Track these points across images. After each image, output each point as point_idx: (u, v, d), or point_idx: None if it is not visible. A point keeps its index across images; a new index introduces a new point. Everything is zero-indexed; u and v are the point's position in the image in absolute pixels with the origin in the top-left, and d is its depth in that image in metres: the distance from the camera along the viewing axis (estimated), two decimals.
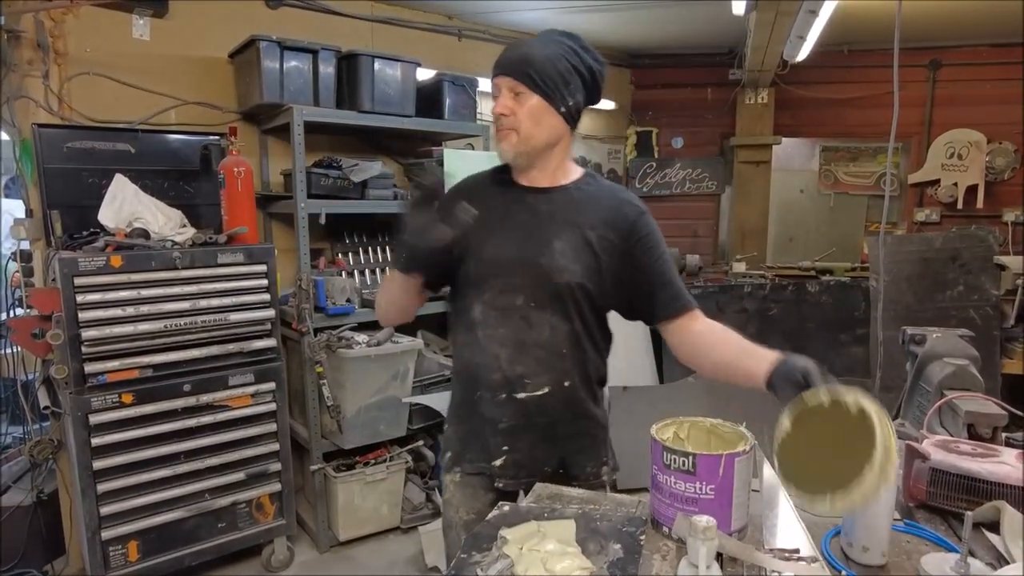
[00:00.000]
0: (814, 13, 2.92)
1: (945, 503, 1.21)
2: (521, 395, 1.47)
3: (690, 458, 1.09)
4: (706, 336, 1.46)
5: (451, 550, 1.61)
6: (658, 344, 4.22)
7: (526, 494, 1.47)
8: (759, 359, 1.30)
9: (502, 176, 1.55)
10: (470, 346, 1.50)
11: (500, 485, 1.52)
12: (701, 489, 1.08)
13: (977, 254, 3.79)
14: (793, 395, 1.12)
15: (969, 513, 0.99)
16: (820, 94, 4.79)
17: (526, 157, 1.47)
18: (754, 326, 4.14)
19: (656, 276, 1.48)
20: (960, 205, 4.67)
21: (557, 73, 1.41)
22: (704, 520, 0.92)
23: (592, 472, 1.58)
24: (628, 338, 4.20)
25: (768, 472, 1.37)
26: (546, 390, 1.47)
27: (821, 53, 4.16)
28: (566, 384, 1.49)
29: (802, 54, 3.72)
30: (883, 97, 4.58)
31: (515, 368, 1.46)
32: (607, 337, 1.59)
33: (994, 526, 1.11)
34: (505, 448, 1.50)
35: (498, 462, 1.50)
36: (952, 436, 1.44)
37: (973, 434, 1.45)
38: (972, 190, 4.63)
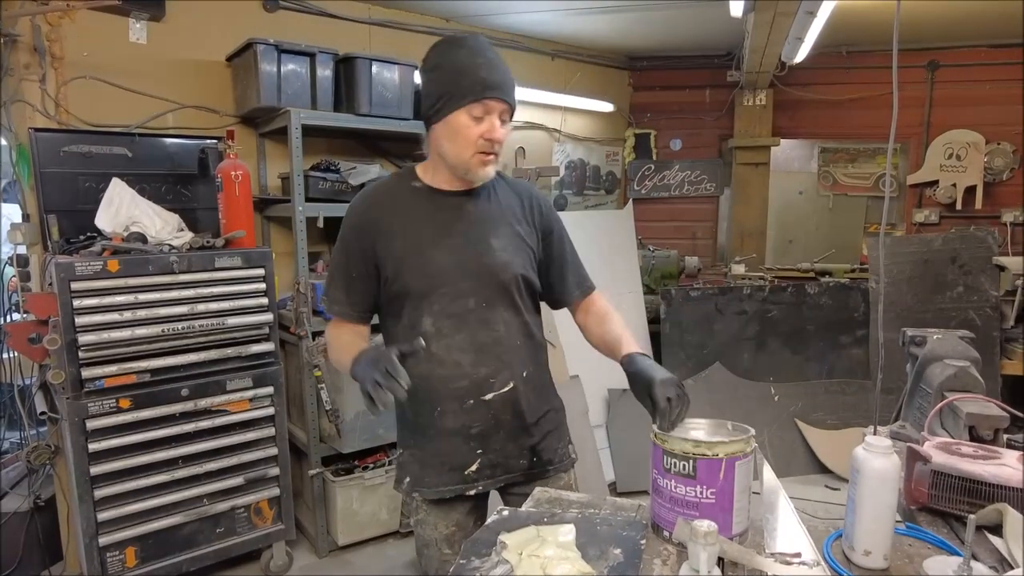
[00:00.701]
0: (812, 14, 2.91)
1: (947, 506, 1.20)
2: (488, 396, 1.49)
3: (690, 462, 1.08)
4: (597, 316, 1.63)
5: (430, 569, 1.59)
6: (657, 347, 4.21)
7: (501, 494, 1.61)
8: (618, 350, 1.49)
9: (412, 182, 1.53)
10: (424, 361, 1.44)
11: (477, 490, 1.53)
12: (702, 493, 1.08)
13: (976, 255, 3.79)
14: (642, 396, 1.31)
15: (971, 516, 0.99)
16: (819, 95, 4.79)
17: None
18: (753, 328, 4.14)
19: (566, 260, 1.63)
20: (959, 206, 4.66)
21: None
22: (705, 525, 0.91)
23: (562, 453, 1.66)
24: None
25: (768, 475, 1.36)
26: (511, 385, 1.51)
27: (819, 55, 4.17)
28: (525, 375, 1.54)
29: (800, 55, 3.72)
30: (881, 98, 4.59)
31: (479, 370, 1.48)
32: (542, 324, 1.67)
33: (997, 529, 1.11)
34: (479, 452, 1.51)
35: (473, 468, 1.51)
36: (953, 438, 1.43)
37: (974, 436, 1.44)
38: (971, 191, 4.63)
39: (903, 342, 1.86)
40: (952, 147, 4.67)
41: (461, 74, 1.39)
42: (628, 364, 1.41)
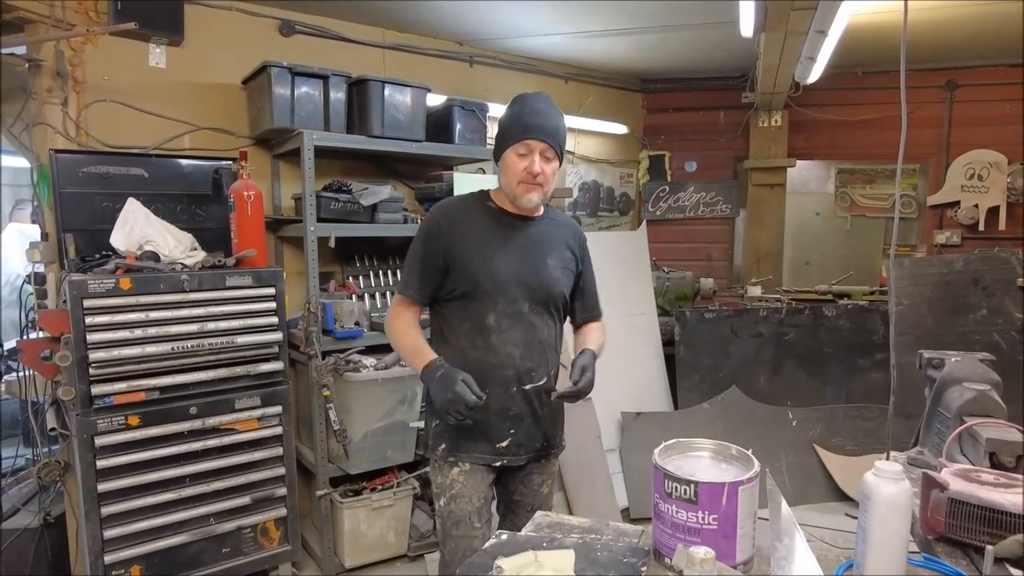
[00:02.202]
0: (823, 33, 2.90)
1: (965, 536, 1.15)
2: (528, 386, 1.81)
3: (692, 486, 1.05)
4: (587, 331, 2.00)
5: (458, 552, 1.81)
6: (672, 370, 4.15)
7: (522, 467, 1.89)
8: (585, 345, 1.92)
9: (486, 203, 1.87)
10: (481, 348, 1.78)
11: (503, 462, 1.83)
12: (703, 519, 1.04)
13: (1000, 276, 3.70)
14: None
15: (990, 547, 0.94)
16: (834, 116, 4.75)
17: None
18: (770, 351, 4.06)
19: (587, 286, 2.00)
20: (982, 227, 4.57)
21: (565, 140, 1.86)
22: (702, 551, 0.88)
23: (560, 440, 1.99)
24: (642, 363, 4.14)
25: (780, 501, 1.32)
26: (544, 380, 1.84)
27: (834, 75, 4.14)
28: (553, 373, 1.87)
29: (814, 76, 3.70)
30: (898, 119, 4.51)
31: (526, 363, 1.80)
32: None
33: (1018, 562, 1.05)
34: (512, 431, 1.81)
35: (504, 443, 1.81)
36: (973, 465, 1.38)
37: (995, 463, 1.38)
38: (994, 211, 4.54)
39: (920, 364, 1.80)
40: (973, 167, 4.59)
41: (513, 122, 1.77)
42: (580, 352, 1.85)
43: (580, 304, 1.99)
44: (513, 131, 1.76)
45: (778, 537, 1.18)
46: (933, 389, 1.68)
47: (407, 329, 1.84)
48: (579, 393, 1.75)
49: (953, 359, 1.69)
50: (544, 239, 1.86)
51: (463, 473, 1.81)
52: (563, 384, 1.82)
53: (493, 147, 1.87)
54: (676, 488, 1.06)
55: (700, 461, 1.18)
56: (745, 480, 1.05)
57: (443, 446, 1.82)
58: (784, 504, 1.32)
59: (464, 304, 1.79)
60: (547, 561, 1.10)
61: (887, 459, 1.31)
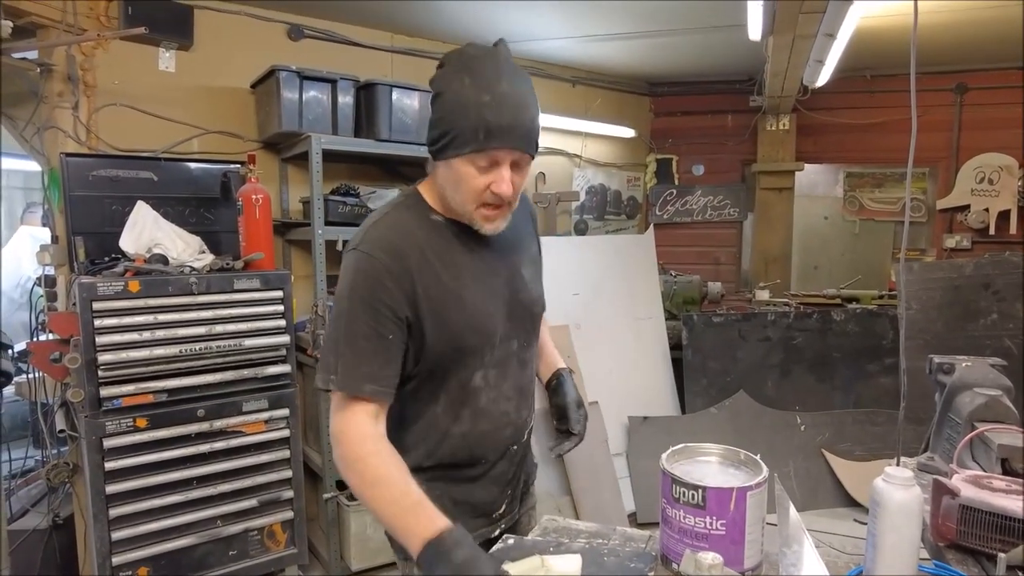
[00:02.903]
0: (832, 36, 2.88)
1: (977, 543, 1.13)
2: (525, 437, 1.42)
3: (700, 491, 1.04)
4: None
5: None
6: (679, 374, 4.13)
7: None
8: (544, 369, 1.53)
9: (430, 215, 1.27)
10: (467, 420, 1.29)
11: (500, 529, 1.40)
12: (711, 524, 1.03)
13: (1011, 281, 3.66)
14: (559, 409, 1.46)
15: (1002, 555, 0.93)
16: (843, 120, 4.73)
17: None
18: (778, 355, 4.04)
19: (539, 275, 1.47)
20: (992, 231, 4.53)
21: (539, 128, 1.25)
22: (710, 557, 0.87)
23: (535, 473, 1.56)
24: (649, 367, 4.13)
25: (788, 506, 1.31)
26: (531, 423, 1.45)
27: (842, 79, 4.12)
28: (535, 408, 1.47)
29: (822, 79, 3.68)
30: (907, 122, 4.47)
31: (521, 414, 1.38)
32: None
33: None
34: (509, 493, 1.41)
35: (501, 509, 1.41)
36: (984, 471, 1.36)
37: (1007, 469, 1.36)
38: (1005, 215, 4.50)
39: (930, 369, 1.79)
40: (983, 171, 4.55)
41: (463, 113, 1.13)
42: (557, 378, 1.50)
43: None
44: (469, 132, 1.13)
45: (787, 543, 1.17)
46: (943, 394, 1.67)
47: (391, 470, 1.11)
48: (580, 441, 1.42)
49: (964, 364, 1.68)
50: (511, 242, 1.34)
51: None
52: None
53: (428, 138, 1.22)
54: (684, 493, 1.05)
55: (708, 466, 1.17)
56: (754, 485, 1.04)
57: None
58: (792, 509, 1.31)
59: (441, 374, 1.26)
60: (554, 566, 1.09)
61: (897, 465, 1.30)
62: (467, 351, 1.25)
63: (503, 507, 1.41)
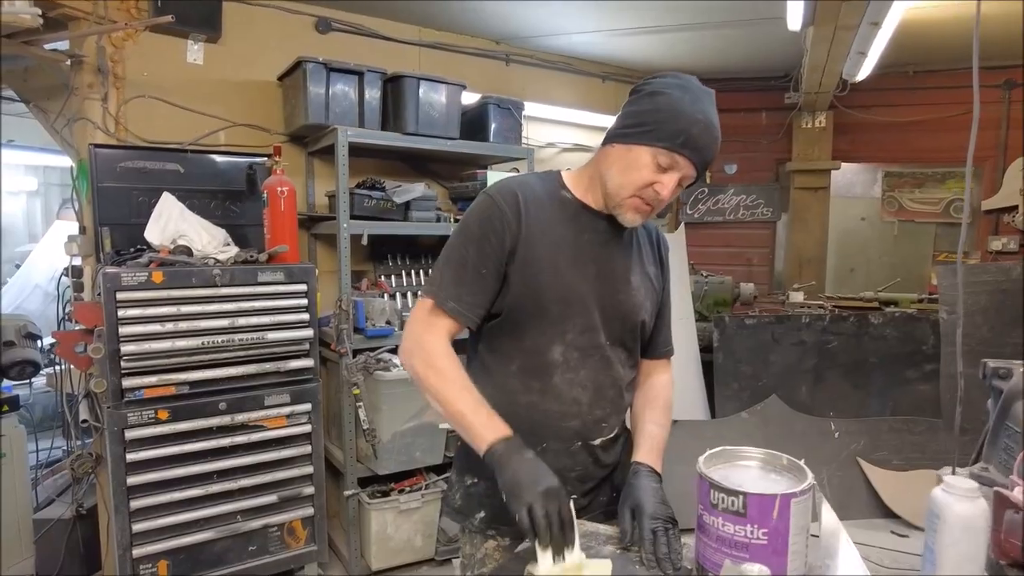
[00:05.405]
0: (876, 25, 2.76)
1: None
2: (597, 440, 1.37)
3: (740, 498, 0.96)
4: (652, 388, 1.50)
5: None
6: (709, 377, 4.02)
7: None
8: (637, 448, 1.37)
9: (560, 193, 1.37)
10: (537, 392, 1.32)
11: None
12: (752, 533, 0.95)
13: None
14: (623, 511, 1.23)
15: None
16: (882, 117, 4.57)
17: None
18: (812, 359, 3.91)
19: (665, 311, 1.51)
20: None
21: None
22: (756, 569, 0.80)
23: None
24: (678, 371, 4.01)
25: (829, 516, 1.22)
26: (615, 433, 1.41)
27: (883, 75, 3.98)
28: (624, 423, 1.44)
29: (863, 72, 3.55)
30: (950, 120, 4.34)
31: (595, 412, 1.36)
32: None
33: None
34: (573, 496, 1.25)
35: None
36: None
37: None
38: None
39: (984, 375, 1.67)
40: None
41: (674, 116, 1.23)
42: (632, 473, 1.32)
43: (656, 334, 1.50)
44: (667, 130, 1.23)
45: (830, 555, 1.09)
46: (999, 401, 1.56)
47: (458, 374, 1.25)
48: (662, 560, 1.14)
49: (1021, 369, 1.57)
50: (627, 249, 1.39)
51: (501, 548, 1.37)
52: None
53: (614, 125, 1.32)
54: (723, 499, 0.98)
55: (748, 471, 1.10)
56: (798, 492, 0.96)
57: (481, 514, 1.38)
58: (835, 517, 1.22)
59: (519, 330, 1.32)
60: (584, 568, 1.03)
61: (953, 475, 1.21)
62: (547, 316, 1.30)
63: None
